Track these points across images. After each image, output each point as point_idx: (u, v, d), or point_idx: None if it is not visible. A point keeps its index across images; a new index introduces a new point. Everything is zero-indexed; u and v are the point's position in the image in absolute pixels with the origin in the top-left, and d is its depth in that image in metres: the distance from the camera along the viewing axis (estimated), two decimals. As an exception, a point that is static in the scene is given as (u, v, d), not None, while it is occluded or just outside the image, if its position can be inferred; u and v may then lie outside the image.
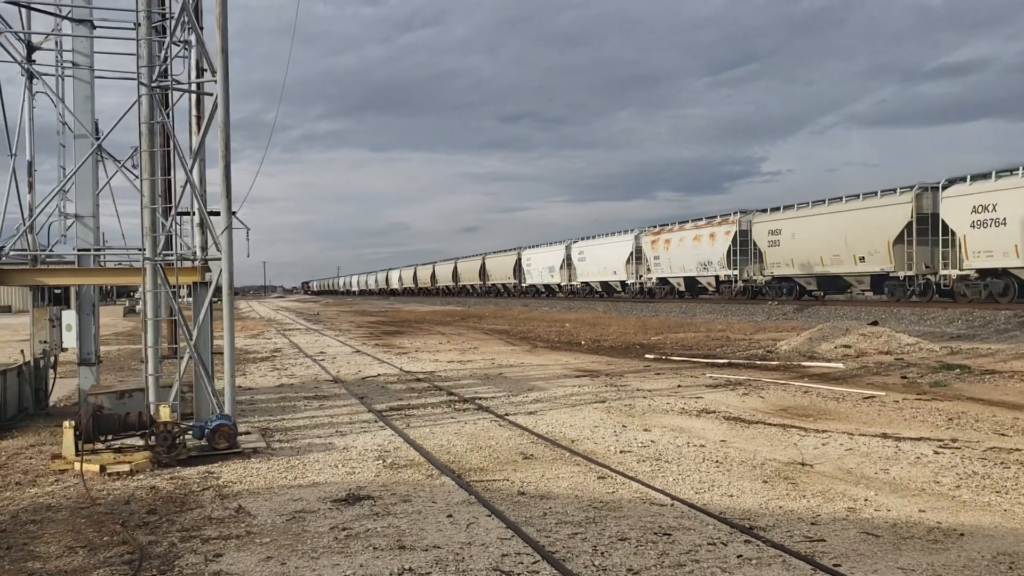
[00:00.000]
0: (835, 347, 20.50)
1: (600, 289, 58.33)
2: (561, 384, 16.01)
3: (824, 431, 10.61)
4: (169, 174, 11.87)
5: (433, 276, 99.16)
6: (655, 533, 6.47)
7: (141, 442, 9.52)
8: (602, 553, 6.02)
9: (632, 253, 52.16)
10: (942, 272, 30.84)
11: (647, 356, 21.56)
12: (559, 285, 63.25)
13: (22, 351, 13.98)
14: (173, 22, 11.19)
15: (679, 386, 15.31)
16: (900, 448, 9.48)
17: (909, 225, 31.08)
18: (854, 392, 13.90)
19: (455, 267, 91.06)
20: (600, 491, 7.83)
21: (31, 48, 12.98)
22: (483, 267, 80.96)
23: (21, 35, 12.66)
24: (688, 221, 47.33)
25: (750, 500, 7.43)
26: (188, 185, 11.17)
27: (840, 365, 17.89)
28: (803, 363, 18.66)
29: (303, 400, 14.63)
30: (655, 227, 50.48)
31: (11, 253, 12.07)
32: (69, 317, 13.25)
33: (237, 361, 11.15)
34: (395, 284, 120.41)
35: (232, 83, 10.41)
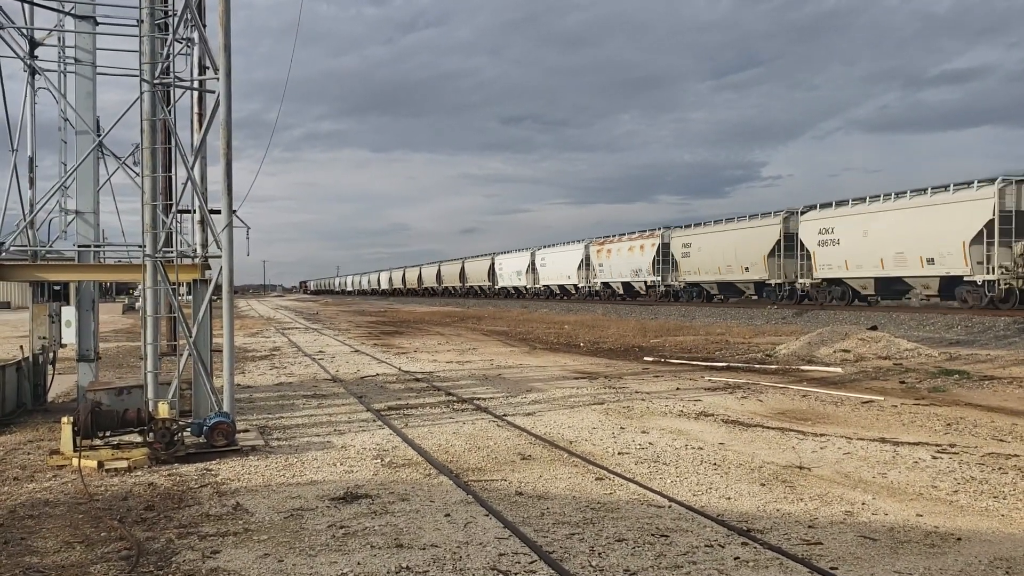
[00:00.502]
0: (834, 351, 20.51)
1: (558, 291, 63.39)
2: (559, 385, 16.01)
3: (822, 435, 10.62)
4: (170, 171, 11.88)
5: (419, 278, 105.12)
6: (652, 534, 6.47)
7: (139, 439, 9.53)
8: (599, 554, 6.02)
9: (583, 260, 57.63)
10: (800, 280, 36.86)
11: (646, 359, 21.57)
12: (525, 288, 68.22)
13: (21, 347, 13.98)
14: (176, 19, 11.20)
15: (678, 389, 15.31)
16: (898, 452, 9.48)
17: (779, 243, 37.60)
18: (853, 396, 13.90)
19: (438, 270, 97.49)
20: (598, 492, 7.83)
21: (33, 44, 12.99)
22: (462, 270, 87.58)
23: (24, 30, 12.67)
24: (624, 234, 53.84)
25: (748, 502, 7.43)
26: (189, 182, 11.17)
27: (839, 370, 17.89)
28: (802, 367, 18.67)
29: (302, 399, 14.63)
30: (600, 238, 56.59)
31: (11, 249, 12.07)
32: (68, 313, 13.26)
33: (236, 359, 11.15)
34: (386, 285, 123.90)
35: (234, 81, 10.43)
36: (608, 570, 5.68)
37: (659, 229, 49.61)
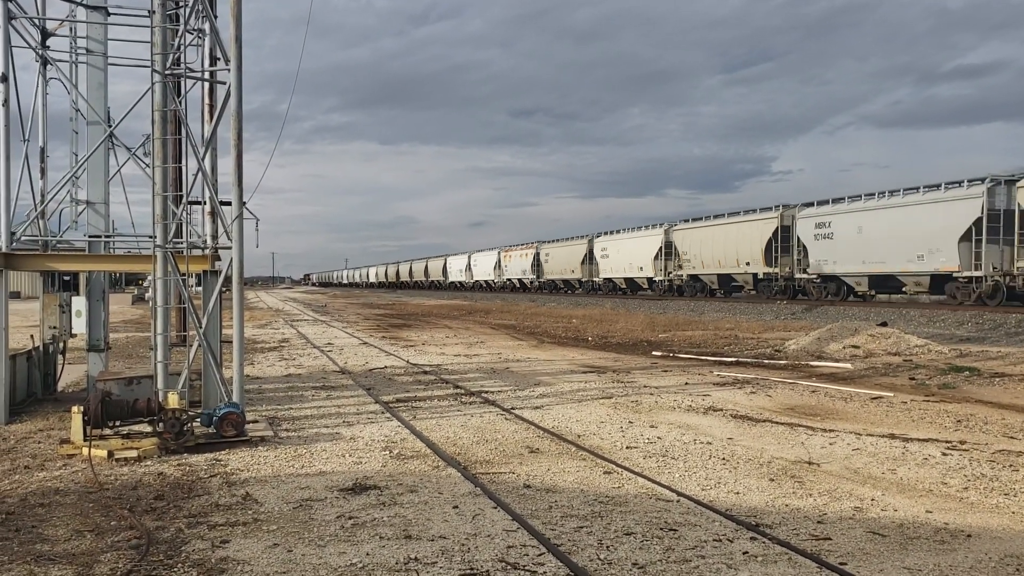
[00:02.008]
0: (843, 347, 20.44)
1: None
2: (568, 379, 16.00)
3: (831, 431, 10.59)
4: (181, 162, 11.91)
5: (411, 272, 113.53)
6: (661, 528, 6.47)
7: (149, 429, 9.57)
8: (608, 547, 6.02)
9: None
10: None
11: (654, 353, 21.54)
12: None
13: (32, 336, 14.04)
14: (187, 10, 11.21)
15: (686, 383, 15.29)
16: (908, 449, 9.45)
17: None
18: (862, 392, 13.86)
19: (426, 265, 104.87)
20: (606, 486, 7.83)
21: (45, 34, 13.02)
22: (445, 266, 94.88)
23: (36, 21, 12.69)
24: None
25: (756, 498, 7.42)
26: (200, 174, 11.19)
27: (848, 365, 17.84)
28: (811, 363, 18.62)
29: (311, 390, 14.67)
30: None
31: (22, 239, 12.11)
32: (79, 303, 13.31)
33: (245, 350, 11.18)
34: (393, 277, 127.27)
35: (245, 73, 10.43)
36: (616, 563, 5.68)
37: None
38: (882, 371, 16.96)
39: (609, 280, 55.84)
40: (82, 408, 9.18)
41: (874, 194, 33.67)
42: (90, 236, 12.70)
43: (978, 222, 27.92)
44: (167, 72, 10.70)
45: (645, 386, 14.90)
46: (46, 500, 7.35)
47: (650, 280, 51.31)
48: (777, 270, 39.17)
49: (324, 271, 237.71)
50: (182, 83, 11.76)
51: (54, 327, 13.49)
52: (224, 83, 10.65)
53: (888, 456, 9.10)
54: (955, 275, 29.52)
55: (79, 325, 13.34)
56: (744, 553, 5.88)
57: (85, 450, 8.89)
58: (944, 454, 9.16)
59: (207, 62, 11.88)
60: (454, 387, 14.95)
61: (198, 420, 9.79)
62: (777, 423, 11.15)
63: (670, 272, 48.96)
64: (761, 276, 40.71)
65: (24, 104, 12.30)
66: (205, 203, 11.78)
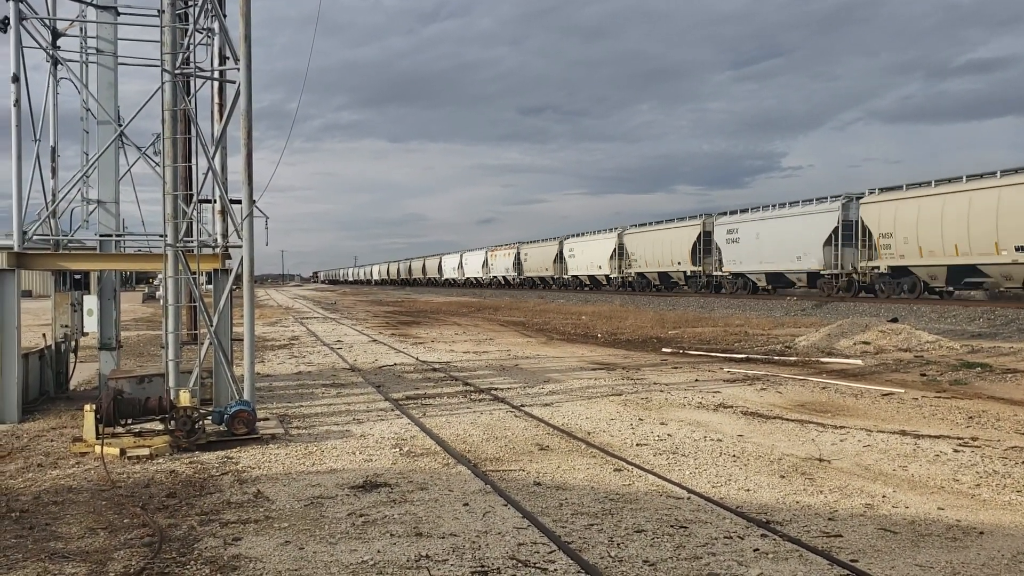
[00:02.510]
0: (854, 344, 20.38)
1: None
2: (577, 376, 16.00)
3: (842, 427, 10.56)
4: (191, 161, 11.95)
5: (410, 270, 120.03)
6: (671, 526, 6.47)
7: (161, 426, 9.61)
8: (618, 544, 6.03)
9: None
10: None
11: (664, 350, 21.52)
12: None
13: (44, 335, 14.12)
14: (196, 9, 11.24)
15: (696, 380, 15.27)
16: (919, 445, 9.42)
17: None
18: (873, 389, 13.82)
19: (424, 264, 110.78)
20: (616, 483, 7.83)
21: (56, 34, 13.07)
22: (440, 264, 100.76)
23: (46, 21, 12.75)
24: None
25: (767, 495, 7.41)
26: (210, 172, 11.23)
27: (859, 362, 17.78)
28: (822, 359, 18.57)
29: (321, 388, 14.71)
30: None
31: (34, 238, 12.17)
32: (90, 302, 13.38)
33: (256, 348, 11.21)
34: (404, 274, 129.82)
35: (254, 72, 10.46)
36: (627, 561, 5.68)
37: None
38: (893, 367, 16.90)
39: (575, 277, 63.13)
40: (94, 406, 9.23)
41: (770, 206, 41.82)
42: (101, 235, 12.75)
43: (835, 231, 35.59)
44: (177, 71, 10.74)
45: (655, 383, 14.89)
46: (59, 498, 7.39)
47: (607, 277, 58.38)
48: (701, 268, 47.21)
49: (332, 268, 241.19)
50: (192, 82, 11.80)
51: (66, 326, 13.56)
52: (233, 82, 10.68)
53: (899, 453, 9.07)
54: (822, 272, 36.83)
55: (91, 324, 13.41)
56: (755, 550, 5.88)
57: (97, 448, 8.94)
58: (956, 451, 9.13)
59: (216, 61, 11.91)
60: (463, 384, 14.97)
61: (209, 418, 9.83)
62: (787, 420, 11.13)
63: (623, 270, 56.25)
64: (689, 273, 48.52)
65: (35, 104, 12.38)
66: (215, 202, 11.83)
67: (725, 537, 6.18)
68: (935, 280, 32.04)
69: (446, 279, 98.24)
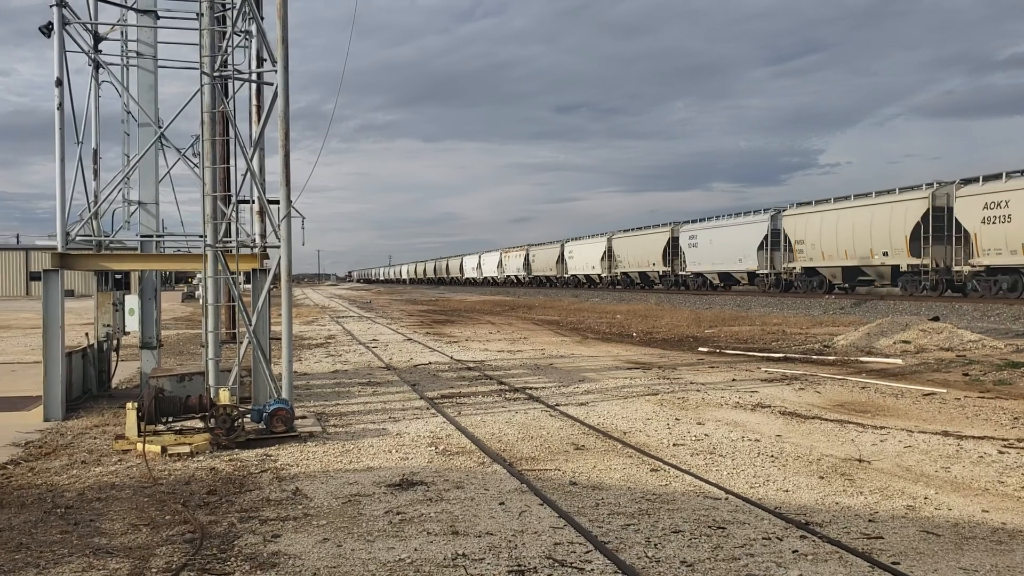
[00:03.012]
0: (894, 343, 20.08)
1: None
2: (612, 376, 15.95)
3: (882, 428, 10.42)
4: (229, 162, 12.09)
5: (435, 269, 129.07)
6: (709, 526, 6.42)
7: (201, 424, 9.74)
8: (655, 545, 6.00)
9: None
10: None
11: (700, 349, 21.37)
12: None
13: (87, 334, 14.38)
14: (234, 12, 11.38)
15: (733, 380, 15.15)
16: (962, 446, 9.26)
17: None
18: (914, 389, 13.61)
19: (447, 264, 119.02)
20: (653, 483, 7.80)
21: (98, 38, 13.30)
22: (461, 264, 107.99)
23: (89, 26, 12.98)
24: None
25: (806, 495, 7.33)
26: (248, 174, 11.36)
27: (899, 361, 17.53)
28: (861, 358, 18.32)
29: (357, 386, 14.81)
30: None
31: (77, 239, 12.39)
32: (132, 302, 13.60)
33: (293, 347, 11.32)
34: (432, 274, 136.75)
35: (292, 73, 10.56)
36: (664, 561, 5.65)
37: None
38: (934, 367, 16.63)
39: (574, 276, 70.31)
40: (136, 405, 9.38)
41: (719, 216, 49.73)
42: (142, 236, 12.95)
43: (766, 238, 43.75)
44: (215, 74, 10.87)
45: (691, 382, 14.80)
46: (103, 494, 7.53)
47: (599, 276, 65.26)
48: (670, 269, 54.41)
49: (364, 268, 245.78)
50: (230, 84, 11.94)
51: (108, 325, 13.79)
52: (271, 84, 10.79)
53: (941, 454, 8.93)
54: (757, 272, 45.11)
55: (132, 323, 13.63)
56: (794, 552, 5.82)
57: (139, 446, 9.09)
58: (1001, 452, 8.96)
59: (254, 63, 12.05)
60: (498, 383, 14.99)
61: (248, 416, 9.95)
62: (826, 420, 11.00)
63: (612, 270, 62.87)
64: (661, 272, 55.49)
65: (78, 107, 12.60)
66: (253, 202, 11.97)
67: (763, 538, 6.13)
68: (835, 278, 38.97)
69: (467, 278, 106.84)
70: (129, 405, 9.47)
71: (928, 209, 32.86)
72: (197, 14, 11.84)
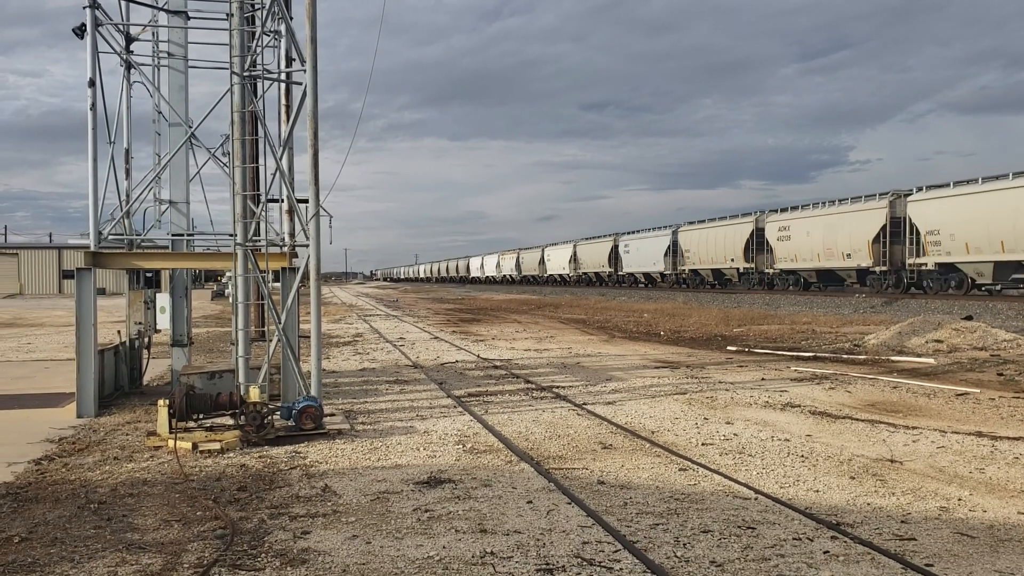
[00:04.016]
0: (926, 342, 19.83)
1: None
2: (640, 375, 15.89)
3: (914, 428, 10.29)
4: (258, 162, 12.17)
5: (447, 269, 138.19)
6: (738, 526, 6.38)
7: (231, 421, 9.84)
8: (684, 544, 5.97)
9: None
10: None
11: (729, 348, 21.23)
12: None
13: (119, 332, 14.55)
14: (263, 12, 11.46)
15: (763, 379, 15.03)
16: (996, 447, 9.12)
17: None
18: (946, 388, 13.43)
19: (456, 264, 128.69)
20: (681, 483, 7.76)
21: (129, 39, 13.45)
22: (468, 265, 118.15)
23: (120, 27, 13.12)
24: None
25: (837, 496, 7.26)
26: (277, 173, 11.43)
27: (931, 360, 17.30)
28: (892, 358, 18.11)
29: (384, 384, 14.87)
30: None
31: (109, 237, 12.54)
32: (163, 300, 13.75)
33: (321, 345, 11.38)
34: (425, 274, 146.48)
35: (320, 73, 10.62)
36: (694, 561, 5.62)
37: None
38: (967, 366, 16.40)
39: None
40: (167, 402, 9.48)
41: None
42: (173, 234, 13.08)
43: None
44: (245, 74, 10.96)
45: (720, 382, 14.70)
46: (135, 490, 7.61)
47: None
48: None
49: (387, 267, 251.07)
50: (259, 84, 12.02)
51: (139, 323, 13.94)
52: (300, 83, 10.86)
53: (975, 455, 8.80)
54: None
55: (163, 321, 13.78)
56: (825, 552, 5.76)
57: (171, 442, 9.18)
58: (1036, 453, 8.81)
59: (283, 63, 12.13)
60: (525, 382, 14.98)
61: (278, 413, 10.02)
62: (857, 420, 10.88)
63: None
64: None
65: (110, 107, 12.76)
66: (282, 201, 12.04)
67: (794, 539, 6.07)
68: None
69: (473, 277, 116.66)
70: (160, 402, 9.57)
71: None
72: (227, 14, 11.95)
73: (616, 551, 5.83)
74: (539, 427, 10.56)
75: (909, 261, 34.64)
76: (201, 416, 9.84)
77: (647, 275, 61.85)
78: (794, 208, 44.04)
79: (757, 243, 45.92)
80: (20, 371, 17.21)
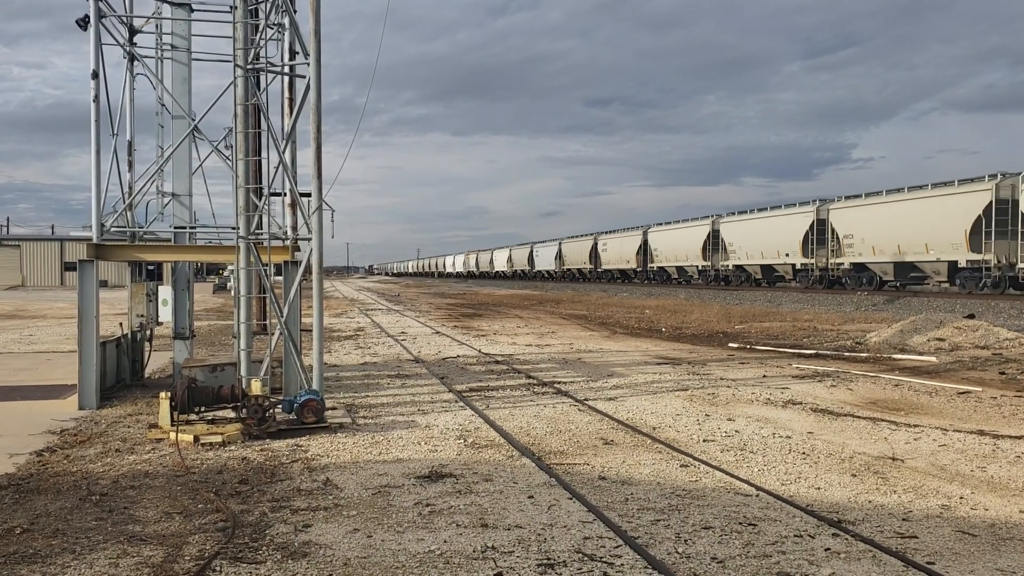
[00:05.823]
0: (928, 340, 19.81)
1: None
2: (641, 371, 15.88)
3: (916, 426, 10.28)
4: (261, 155, 12.16)
5: (443, 264, 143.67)
6: (740, 523, 6.37)
7: (233, 414, 9.83)
8: (685, 540, 5.96)
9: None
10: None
11: (731, 345, 21.22)
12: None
13: (120, 324, 14.55)
14: (267, 5, 11.43)
15: (764, 376, 15.03)
16: (998, 446, 9.11)
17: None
18: (948, 387, 13.42)
19: (454, 259, 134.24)
20: (683, 479, 7.75)
21: (133, 31, 13.42)
22: (465, 261, 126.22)
23: (124, 19, 13.10)
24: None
25: (838, 493, 7.25)
26: (280, 166, 11.42)
27: (933, 359, 17.28)
28: (894, 356, 18.10)
29: (386, 378, 14.88)
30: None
31: (111, 230, 12.53)
32: (165, 292, 13.74)
33: (323, 339, 11.38)
34: (461, 268, 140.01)
35: (325, 66, 10.60)
36: (695, 557, 5.62)
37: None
38: (969, 365, 16.39)
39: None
40: (169, 394, 9.48)
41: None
42: (175, 227, 13.08)
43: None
44: (248, 66, 10.94)
45: (722, 378, 14.70)
46: (136, 483, 7.62)
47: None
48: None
49: (383, 262, 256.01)
50: (263, 77, 12.00)
51: (141, 315, 13.94)
52: (303, 77, 10.85)
53: (977, 453, 8.79)
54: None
55: (165, 313, 13.77)
56: (826, 550, 5.76)
57: (172, 435, 9.19)
58: (1038, 452, 8.80)
59: (287, 56, 12.11)
60: (526, 377, 14.98)
61: (279, 407, 10.02)
62: (859, 417, 10.88)
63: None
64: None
65: (113, 100, 12.72)
66: (285, 195, 12.03)
67: (795, 535, 6.07)
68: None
69: (457, 272, 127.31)
70: (162, 394, 9.58)
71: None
72: (231, 7, 11.91)
73: (617, 547, 5.83)
74: (540, 422, 10.56)
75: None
76: (203, 409, 9.84)
77: (622, 271, 68.13)
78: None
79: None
80: (22, 363, 17.23)
